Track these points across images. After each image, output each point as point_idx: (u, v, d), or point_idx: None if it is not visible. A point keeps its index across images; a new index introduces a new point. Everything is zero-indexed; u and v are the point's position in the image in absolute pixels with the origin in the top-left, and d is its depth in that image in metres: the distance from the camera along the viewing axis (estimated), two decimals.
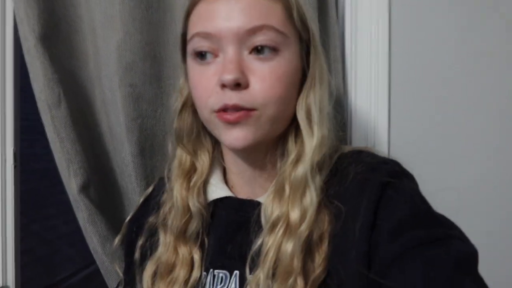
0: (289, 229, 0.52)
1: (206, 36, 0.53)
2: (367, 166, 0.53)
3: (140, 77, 0.84)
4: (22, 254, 1.07)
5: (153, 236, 0.63)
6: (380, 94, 0.89)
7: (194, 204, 0.59)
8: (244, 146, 0.53)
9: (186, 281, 0.58)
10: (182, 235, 0.60)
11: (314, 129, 0.54)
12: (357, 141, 0.88)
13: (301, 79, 0.57)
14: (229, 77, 0.50)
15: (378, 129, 0.88)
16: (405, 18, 0.88)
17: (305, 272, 0.50)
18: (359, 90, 0.90)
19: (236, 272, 0.56)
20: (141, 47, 0.84)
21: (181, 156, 0.62)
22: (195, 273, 0.58)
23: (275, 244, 0.51)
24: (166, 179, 0.64)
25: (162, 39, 0.87)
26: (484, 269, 0.45)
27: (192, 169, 0.62)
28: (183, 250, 0.59)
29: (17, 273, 1.03)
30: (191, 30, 0.56)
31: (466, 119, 0.88)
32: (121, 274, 0.69)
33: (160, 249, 0.60)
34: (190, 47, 0.55)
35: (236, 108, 0.51)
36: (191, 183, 0.61)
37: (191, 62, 0.56)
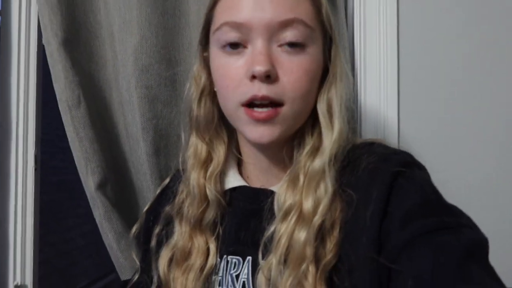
0: (302, 218, 0.53)
1: (236, 26, 0.53)
2: (379, 157, 0.53)
3: (155, 79, 0.87)
4: (40, 265, 1.10)
5: (169, 225, 0.64)
6: (389, 93, 0.91)
7: (212, 192, 0.60)
8: (270, 142, 0.54)
9: (202, 268, 0.59)
10: (198, 224, 0.60)
11: (334, 123, 0.55)
12: None
13: (323, 73, 0.58)
14: (261, 68, 0.51)
15: (388, 127, 0.89)
16: (413, 17, 0.90)
17: (316, 258, 0.51)
18: (369, 90, 0.91)
19: (249, 257, 0.57)
20: (157, 50, 0.87)
21: (196, 145, 0.63)
22: (211, 261, 0.59)
23: (287, 232, 0.52)
24: (181, 169, 0.65)
25: (176, 43, 0.91)
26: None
27: (208, 158, 0.63)
28: (199, 240, 0.60)
29: (35, 271, 1.06)
30: (219, 19, 0.55)
31: (474, 116, 0.89)
32: (138, 262, 0.69)
33: (176, 235, 0.61)
34: (217, 36, 0.55)
35: (265, 99, 0.52)
36: (208, 173, 0.61)
37: (217, 51, 0.56)
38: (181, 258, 0.60)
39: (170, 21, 0.91)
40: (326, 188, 0.53)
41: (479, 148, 0.89)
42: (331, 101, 0.56)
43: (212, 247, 0.60)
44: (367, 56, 0.92)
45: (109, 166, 0.91)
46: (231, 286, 0.57)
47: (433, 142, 0.89)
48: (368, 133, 0.90)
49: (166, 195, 0.68)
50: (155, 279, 0.62)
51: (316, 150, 0.55)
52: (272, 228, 0.54)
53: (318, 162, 0.54)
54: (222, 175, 0.63)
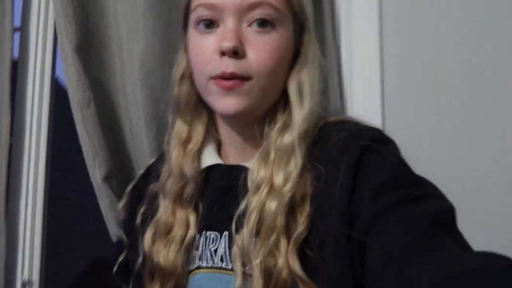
0: (273, 189, 0.55)
1: (210, 7, 0.57)
2: (349, 132, 0.56)
3: (159, 82, 0.96)
4: (46, 283, 1.14)
5: (153, 202, 0.67)
6: (373, 99, 0.98)
7: (188, 169, 0.63)
8: (236, 112, 0.57)
9: (182, 240, 0.62)
10: (179, 199, 0.63)
11: (304, 101, 0.58)
12: None
13: (293, 57, 0.62)
14: (228, 44, 0.55)
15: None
16: (396, 24, 0.96)
17: (287, 230, 0.53)
18: (355, 95, 0.99)
19: (226, 232, 0.59)
20: (161, 57, 0.96)
21: (179, 126, 0.66)
22: (191, 232, 0.62)
23: (259, 203, 0.54)
24: (165, 149, 0.68)
25: (179, 50, 1.00)
26: None
27: (188, 138, 0.66)
28: (180, 213, 0.63)
29: (42, 267, 1.12)
30: (195, 2, 0.61)
31: (460, 121, 0.92)
32: (125, 237, 0.72)
33: (160, 211, 0.64)
34: (194, 16, 0.59)
35: (233, 76, 0.57)
36: (186, 151, 0.65)
37: (193, 31, 0.60)
38: (163, 231, 0.62)
39: (174, 32, 1.00)
40: (296, 163, 0.55)
41: (467, 153, 0.91)
42: (301, 80, 0.60)
43: (192, 219, 0.63)
44: (353, 64, 1.00)
45: (115, 162, 0.98)
46: (210, 260, 0.60)
47: (418, 143, 0.92)
48: None
49: (149, 175, 0.71)
50: (140, 254, 0.64)
51: (287, 127, 0.58)
52: (245, 202, 0.56)
53: (288, 137, 0.57)
54: (200, 154, 0.66)
